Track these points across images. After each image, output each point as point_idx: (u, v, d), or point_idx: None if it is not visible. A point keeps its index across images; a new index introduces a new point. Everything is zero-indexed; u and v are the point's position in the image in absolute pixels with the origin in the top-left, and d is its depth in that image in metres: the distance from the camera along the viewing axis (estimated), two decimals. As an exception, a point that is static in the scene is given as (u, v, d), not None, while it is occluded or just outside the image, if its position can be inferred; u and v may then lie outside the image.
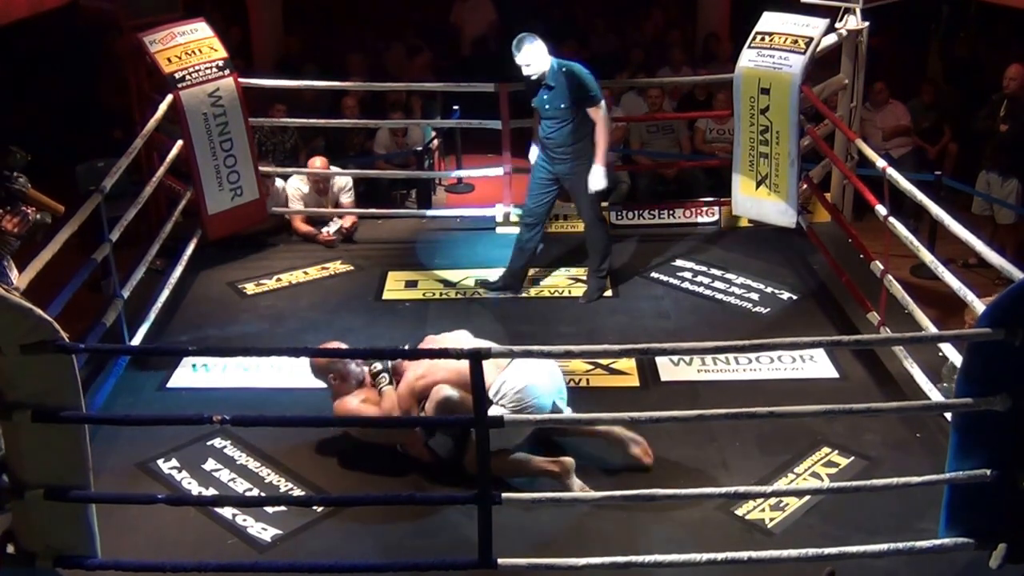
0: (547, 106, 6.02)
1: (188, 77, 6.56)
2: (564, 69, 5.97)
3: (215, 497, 4.47)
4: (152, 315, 5.78)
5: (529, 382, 4.45)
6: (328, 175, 7.25)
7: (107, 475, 4.33)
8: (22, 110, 9.21)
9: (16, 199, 4.21)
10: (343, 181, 7.38)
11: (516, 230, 7.18)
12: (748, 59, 6.60)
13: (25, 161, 4.26)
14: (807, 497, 4.36)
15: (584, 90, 5.96)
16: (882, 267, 5.54)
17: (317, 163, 7.28)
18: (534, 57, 5.90)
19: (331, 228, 7.22)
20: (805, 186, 6.86)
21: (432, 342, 4.73)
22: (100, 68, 9.52)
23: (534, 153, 6.33)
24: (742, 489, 3.96)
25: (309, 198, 7.28)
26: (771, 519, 4.29)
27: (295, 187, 7.28)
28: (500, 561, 3.67)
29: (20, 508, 3.64)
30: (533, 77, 5.97)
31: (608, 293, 6.36)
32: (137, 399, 5.20)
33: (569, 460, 4.45)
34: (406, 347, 4.81)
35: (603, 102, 6.04)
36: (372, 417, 4.59)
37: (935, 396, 4.85)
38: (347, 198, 7.35)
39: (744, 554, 3.73)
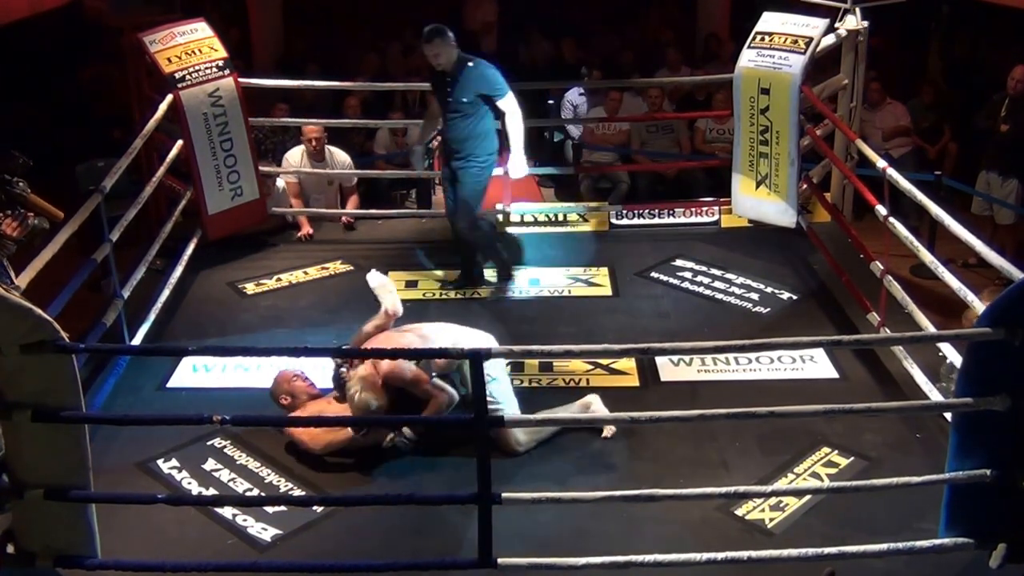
0: (449, 99, 6.08)
1: (188, 77, 6.56)
2: (470, 63, 6.05)
3: (215, 497, 4.47)
4: (152, 315, 5.78)
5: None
6: (323, 129, 7.35)
7: (107, 475, 4.31)
8: (22, 110, 9.21)
9: (16, 203, 4.21)
10: (344, 158, 7.46)
11: (516, 230, 7.19)
12: (748, 59, 6.60)
13: (27, 166, 4.27)
14: (807, 497, 4.36)
15: (489, 84, 6.04)
16: (882, 267, 5.53)
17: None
18: (443, 50, 5.97)
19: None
20: (805, 186, 6.86)
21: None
22: (99, 68, 9.52)
23: None
24: (742, 489, 3.96)
25: (305, 168, 7.33)
26: (771, 519, 4.29)
27: (293, 159, 7.34)
28: (500, 561, 3.67)
29: (20, 508, 3.64)
30: (440, 69, 6.04)
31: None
32: (137, 399, 5.20)
33: (594, 395, 4.92)
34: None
35: (511, 94, 6.09)
36: (372, 417, 4.59)
37: (935, 396, 4.85)
38: (350, 182, 7.51)
39: (744, 554, 3.73)
